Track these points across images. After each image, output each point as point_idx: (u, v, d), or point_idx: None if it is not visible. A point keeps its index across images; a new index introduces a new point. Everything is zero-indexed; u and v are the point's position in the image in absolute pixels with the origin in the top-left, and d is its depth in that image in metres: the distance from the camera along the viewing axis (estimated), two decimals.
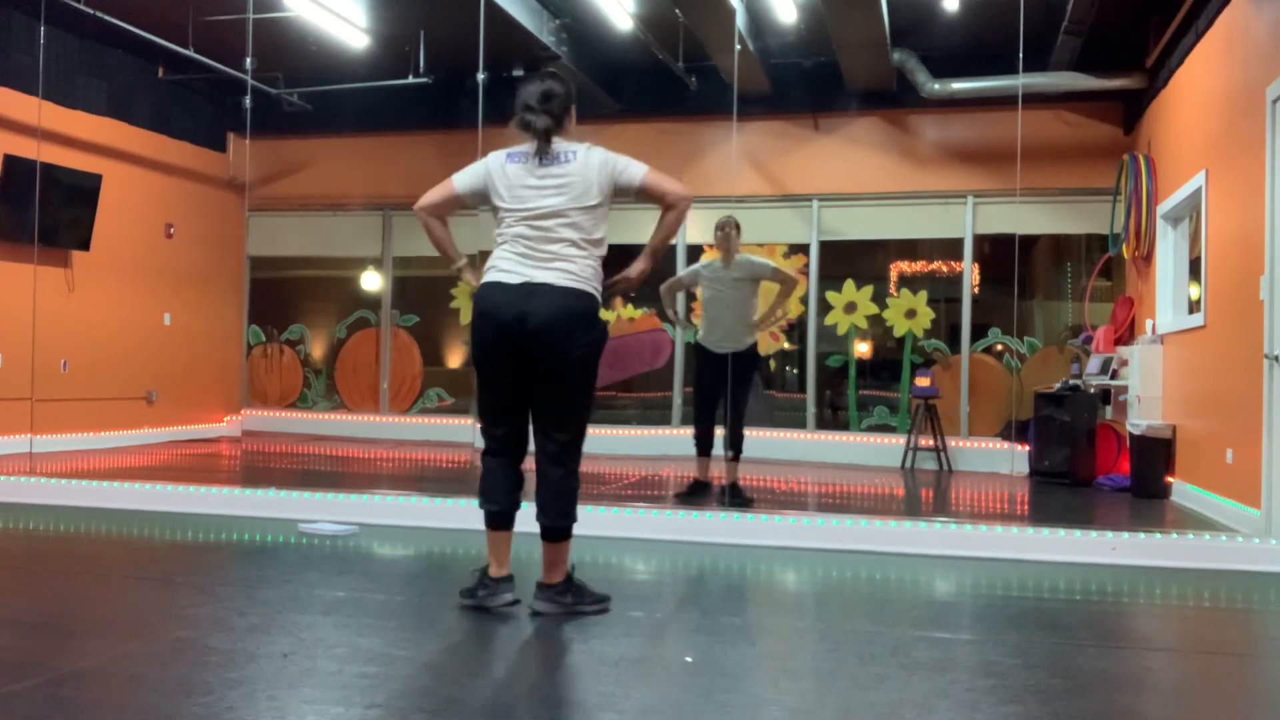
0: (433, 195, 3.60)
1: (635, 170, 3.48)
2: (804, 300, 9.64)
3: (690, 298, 6.54)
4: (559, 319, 3.36)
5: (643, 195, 3.49)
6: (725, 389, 6.06)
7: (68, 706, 2.52)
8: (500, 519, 3.54)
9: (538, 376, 3.45)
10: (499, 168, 3.51)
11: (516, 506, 3.57)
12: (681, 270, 7.92)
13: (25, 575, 4.20)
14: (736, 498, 6.02)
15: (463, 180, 3.59)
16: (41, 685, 2.65)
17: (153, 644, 3.07)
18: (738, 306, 6.10)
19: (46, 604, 3.64)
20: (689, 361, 9.38)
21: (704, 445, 6.26)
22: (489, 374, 3.50)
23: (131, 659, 2.92)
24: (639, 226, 10.97)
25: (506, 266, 3.44)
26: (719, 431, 6.23)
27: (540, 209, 3.42)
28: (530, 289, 3.37)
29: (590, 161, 3.45)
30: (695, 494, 6.19)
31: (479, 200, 3.58)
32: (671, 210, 3.50)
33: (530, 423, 3.56)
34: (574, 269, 3.41)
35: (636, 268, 3.60)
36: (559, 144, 3.46)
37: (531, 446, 3.58)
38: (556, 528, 3.49)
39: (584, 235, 3.44)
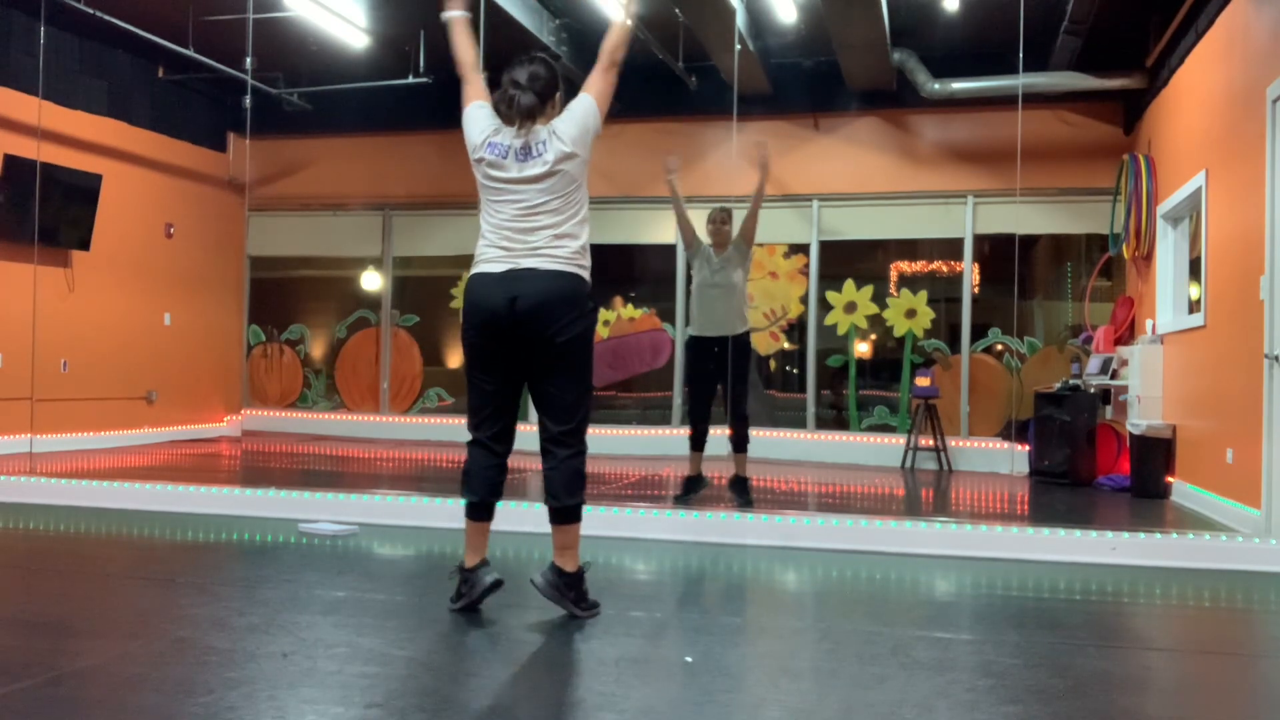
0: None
1: (584, 105, 3.55)
2: (804, 300, 9.66)
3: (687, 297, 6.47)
4: (548, 300, 3.40)
5: (598, 84, 3.59)
6: (721, 379, 5.99)
7: (68, 706, 2.52)
8: (480, 510, 3.56)
9: (534, 363, 3.49)
10: (484, 137, 3.55)
11: (497, 498, 3.59)
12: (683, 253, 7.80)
13: (25, 575, 4.20)
14: (737, 488, 5.97)
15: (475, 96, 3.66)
16: (41, 685, 2.65)
17: (153, 644, 3.07)
18: (730, 293, 6.04)
19: (46, 604, 3.64)
20: None
21: (698, 440, 6.18)
22: (481, 364, 3.53)
23: (131, 659, 2.92)
24: (637, 226, 10.93)
25: (491, 256, 3.50)
26: (717, 433, 6.18)
27: (520, 204, 3.48)
28: (517, 274, 3.43)
29: (557, 144, 3.47)
30: (690, 491, 6.13)
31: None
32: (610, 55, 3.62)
33: (516, 422, 3.61)
34: (559, 254, 3.46)
35: None
36: (533, 135, 3.50)
37: (527, 437, 3.59)
38: (566, 507, 3.50)
39: (565, 218, 3.49)
